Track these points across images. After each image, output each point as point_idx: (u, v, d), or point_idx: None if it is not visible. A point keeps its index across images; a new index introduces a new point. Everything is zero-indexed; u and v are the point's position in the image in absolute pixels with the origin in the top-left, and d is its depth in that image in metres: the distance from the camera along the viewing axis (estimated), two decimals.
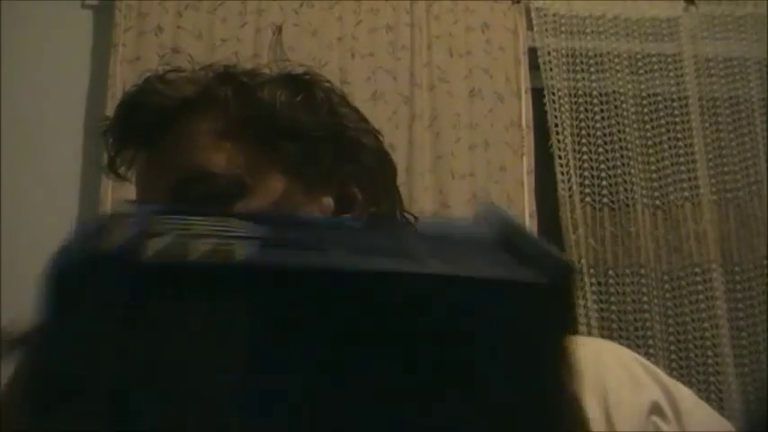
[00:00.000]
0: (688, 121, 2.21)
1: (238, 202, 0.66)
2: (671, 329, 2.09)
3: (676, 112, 2.23)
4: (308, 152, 0.70)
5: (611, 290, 2.09)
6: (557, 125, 2.16)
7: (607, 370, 0.66)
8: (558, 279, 0.35)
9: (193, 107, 0.70)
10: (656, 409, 0.65)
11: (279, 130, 0.71)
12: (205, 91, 0.70)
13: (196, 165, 0.67)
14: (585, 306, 2.04)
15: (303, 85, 0.73)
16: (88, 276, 0.35)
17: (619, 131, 2.19)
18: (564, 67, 2.21)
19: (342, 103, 0.74)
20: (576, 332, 0.58)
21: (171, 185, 0.66)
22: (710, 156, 2.21)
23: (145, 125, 0.70)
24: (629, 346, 2.19)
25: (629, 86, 2.23)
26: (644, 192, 2.16)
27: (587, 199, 2.14)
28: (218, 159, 0.68)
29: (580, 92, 2.22)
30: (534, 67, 2.20)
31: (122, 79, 2.02)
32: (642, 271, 2.10)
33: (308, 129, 0.71)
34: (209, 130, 0.69)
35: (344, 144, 0.72)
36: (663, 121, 2.22)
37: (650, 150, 2.20)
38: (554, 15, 2.24)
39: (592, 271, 2.09)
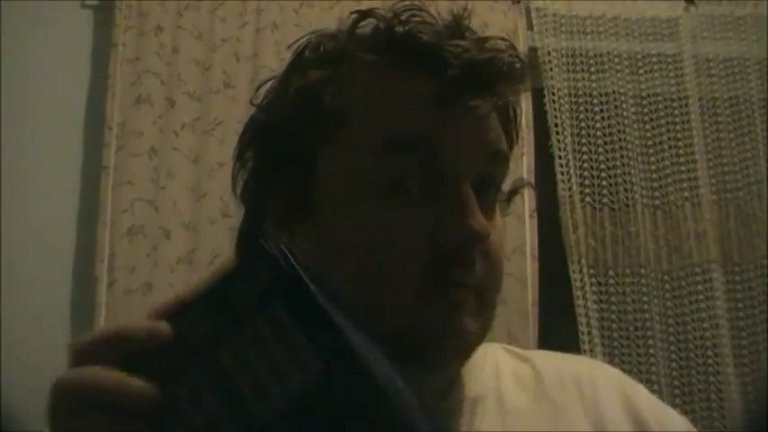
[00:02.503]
0: (688, 121, 2.21)
1: (492, 204, 0.60)
2: (671, 329, 2.08)
3: (676, 112, 2.22)
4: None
5: (611, 290, 2.09)
6: (557, 125, 2.16)
7: (603, 396, 0.65)
8: None
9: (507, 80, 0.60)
10: None
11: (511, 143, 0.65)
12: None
13: (501, 146, 0.61)
14: (585, 306, 2.04)
15: None
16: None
17: (619, 131, 2.19)
18: (564, 67, 2.21)
19: None
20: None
21: (487, 154, 0.59)
22: (710, 156, 2.21)
23: (491, 78, 0.58)
24: (629, 346, 2.17)
25: (629, 86, 2.22)
26: (644, 192, 2.16)
27: (587, 199, 2.14)
28: (506, 148, 0.63)
29: (580, 92, 2.21)
30: (534, 67, 2.20)
31: (122, 79, 2.03)
32: (642, 271, 2.10)
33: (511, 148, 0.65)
34: (497, 111, 0.61)
35: None
36: (663, 121, 2.22)
37: (650, 150, 2.19)
38: (554, 15, 2.24)
39: (592, 271, 2.09)
